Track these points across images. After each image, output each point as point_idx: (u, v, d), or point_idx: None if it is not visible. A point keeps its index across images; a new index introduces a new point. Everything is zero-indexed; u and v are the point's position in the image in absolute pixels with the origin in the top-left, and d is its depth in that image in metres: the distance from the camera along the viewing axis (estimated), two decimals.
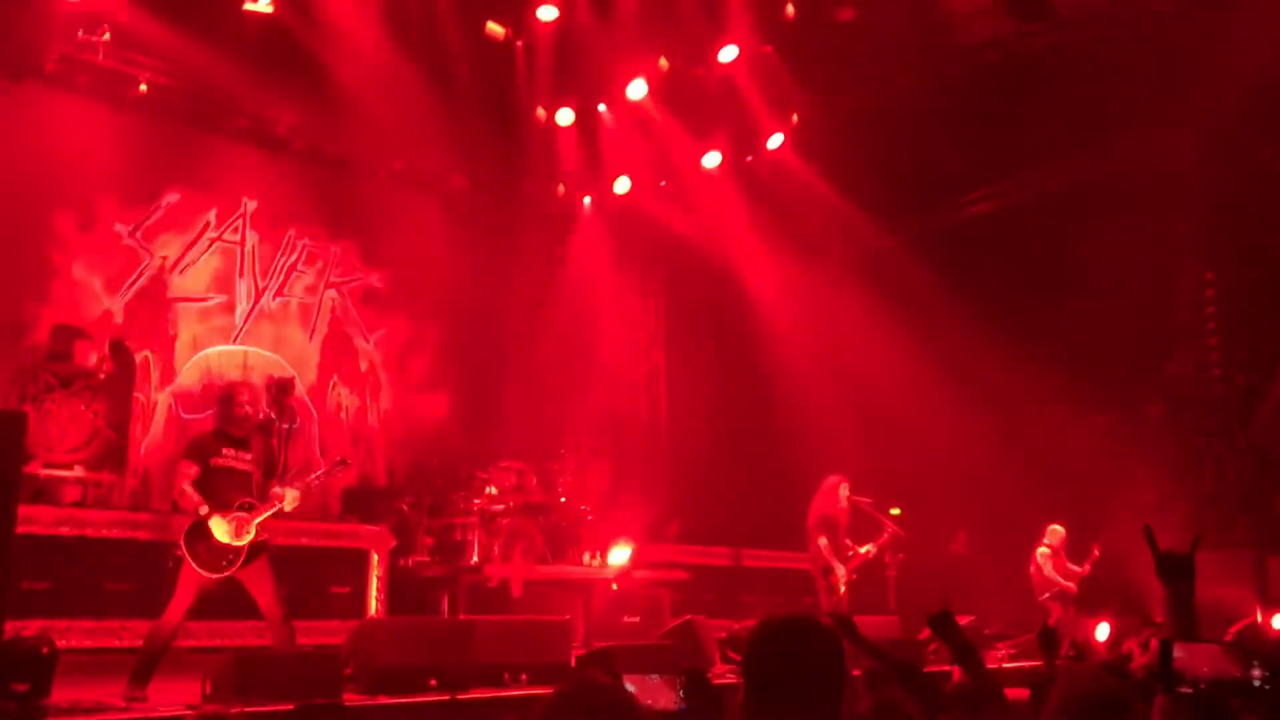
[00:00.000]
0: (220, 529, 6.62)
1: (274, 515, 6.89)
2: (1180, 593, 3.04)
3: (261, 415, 7.48)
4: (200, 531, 6.59)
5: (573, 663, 8.15)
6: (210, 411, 9.68)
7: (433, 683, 7.25)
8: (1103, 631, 9.28)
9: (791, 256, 14.50)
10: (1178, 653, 2.89)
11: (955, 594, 11.54)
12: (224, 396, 7.22)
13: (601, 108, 13.45)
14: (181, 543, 6.60)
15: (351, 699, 6.77)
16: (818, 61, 12.60)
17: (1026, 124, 12.32)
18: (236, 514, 6.69)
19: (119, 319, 11.42)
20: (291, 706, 5.99)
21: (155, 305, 11.77)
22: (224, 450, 6.85)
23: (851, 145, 13.08)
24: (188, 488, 6.68)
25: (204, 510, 6.60)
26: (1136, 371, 12.66)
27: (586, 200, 15.04)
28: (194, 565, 6.56)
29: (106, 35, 10.73)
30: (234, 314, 12.37)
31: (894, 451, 13.05)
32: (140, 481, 11.25)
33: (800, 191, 13.95)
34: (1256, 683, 2.20)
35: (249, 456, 6.91)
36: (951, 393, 13.32)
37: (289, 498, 6.88)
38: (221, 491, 6.72)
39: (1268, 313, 12.20)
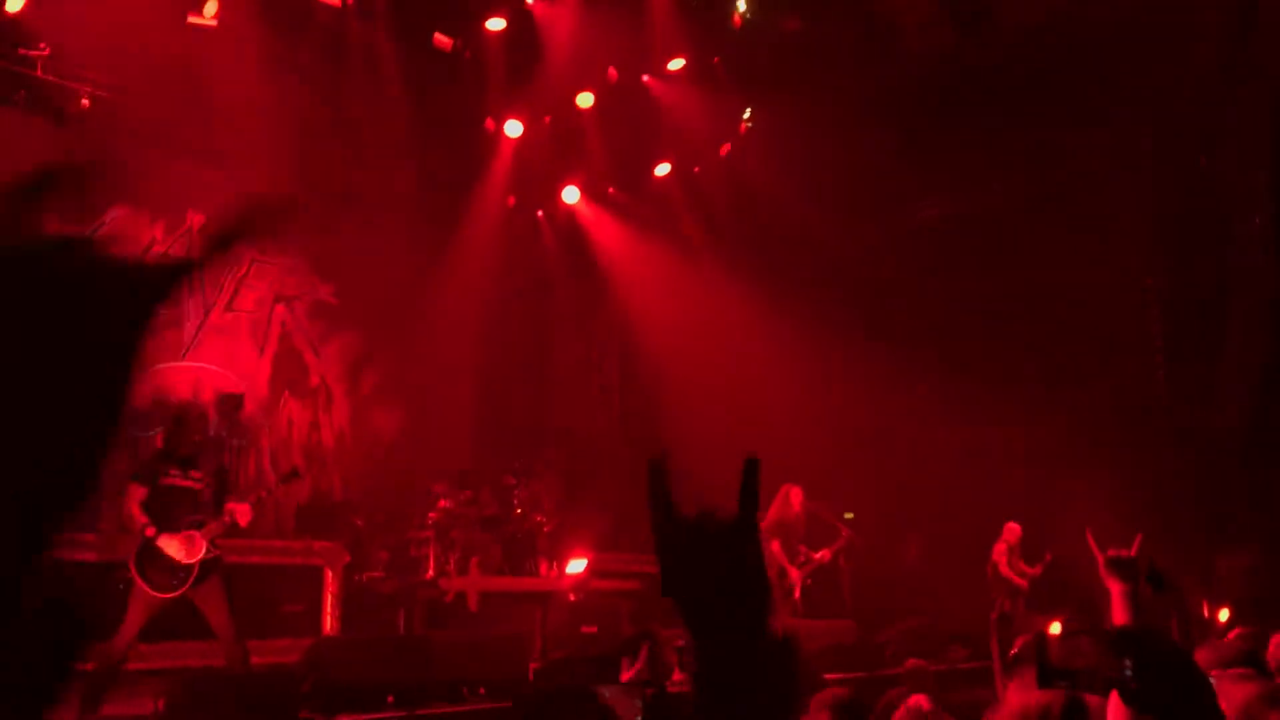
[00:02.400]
0: (171, 547, 6.54)
1: (226, 532, 6.81)
2: (1126, 592, 3.09)
3: (211, 432, 7.40)
4: (149, 552, 6.51)
5: (530, 675, 8.12)
6: (160, 430, 9.55)
7: (390, 700, 7.20)
8: (1055, 631, 9.38)
9: (744, 267, 14.54)
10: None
11: (910, 596, 11.68)
12: (171, 418, 7.13)
13: (549, 118, 13.47)
14: (130, 564, 6.51)
15: (308, 719, 6.70)
16: (765, 72, 12.70)
17: (972, 133, 12.49)
18: (186, 532, 6.60)
19: None
20: None
21: None
22: (171, 470, 6.76)
23: (798, 155, 13.17)
24: (135, 509, 6.59)
25: (150, 531, 6.51)
26: (1085, 376, 12.84)
27: (539, 212, 15.05)
28: (144, 586, 6.47)
29: (46, 49, 10.59)
30: (182, 330, 12.21)
31: (850, 457, 13.13)
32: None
33: (749, 202, 14.03)
34: (1127, 673, 2.24)
35: (198, 474, 6.83)
36: (904, 400, 13.45)
37: (240, 513, 6.81)
38: (170, 511, 6.63)
39: (1207, 315, 12.45)
